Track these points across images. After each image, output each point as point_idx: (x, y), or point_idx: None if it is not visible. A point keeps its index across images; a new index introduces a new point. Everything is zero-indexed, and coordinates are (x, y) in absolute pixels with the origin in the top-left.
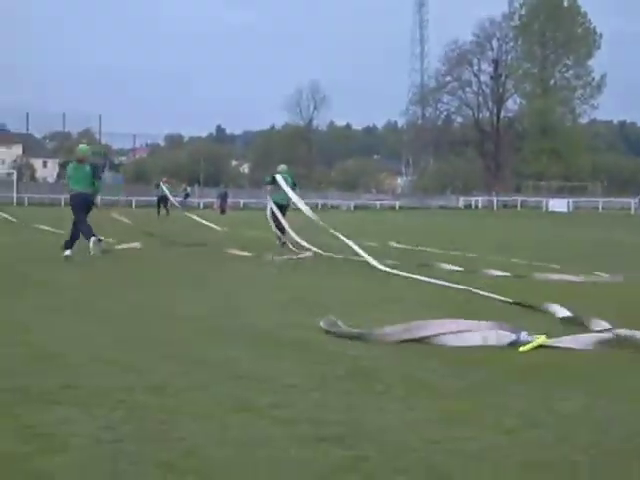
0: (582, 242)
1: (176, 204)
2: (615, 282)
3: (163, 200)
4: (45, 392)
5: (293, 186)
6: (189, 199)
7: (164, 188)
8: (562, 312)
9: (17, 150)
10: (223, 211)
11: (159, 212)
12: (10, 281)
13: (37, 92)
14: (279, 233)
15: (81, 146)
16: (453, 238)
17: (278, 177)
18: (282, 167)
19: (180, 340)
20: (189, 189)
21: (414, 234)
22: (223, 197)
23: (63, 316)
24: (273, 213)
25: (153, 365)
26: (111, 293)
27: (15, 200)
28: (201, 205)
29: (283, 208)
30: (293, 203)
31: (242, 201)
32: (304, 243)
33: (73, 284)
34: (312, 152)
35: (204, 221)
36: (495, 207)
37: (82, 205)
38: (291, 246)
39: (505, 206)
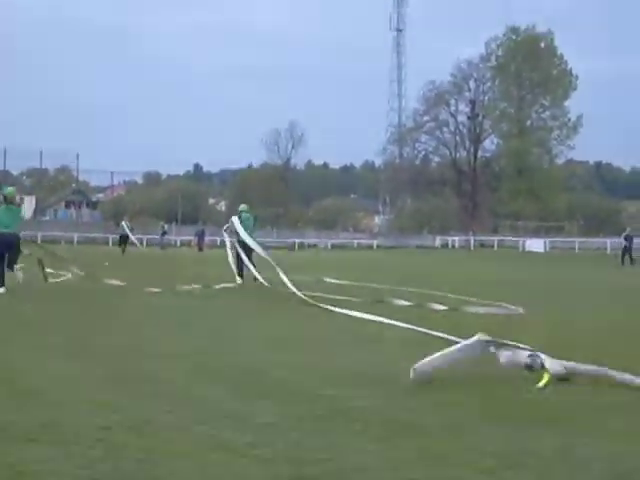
0: (533, 280)
1: (135, 242)
2: (516, 314)
3: (123, 238)
4: (25, 430)
5: (254, 224)
6: (166, 237)
7: (125, 226)
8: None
9: None
10: (201, 249)
11: (123, 250)
12: None
13: (13, 128)
14: (253, 269)
15: (10, 189)
16: (415, 276)
17: (234, 219)
18: (243, 206)
19: (163, 378)
20: (166, 227)
21: (371, 271)
22: (200, 235)
23: (46, 354)
24: (239, 250)
25: (135, 404)
26: (94, 331)
27: None
28: (178, 243)
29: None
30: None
31: (219, 239)
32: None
33: (56, 322)
34: (289, 191)
35: None
36: (472, 247)
37: (8, 246)
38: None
39: (482, 245)
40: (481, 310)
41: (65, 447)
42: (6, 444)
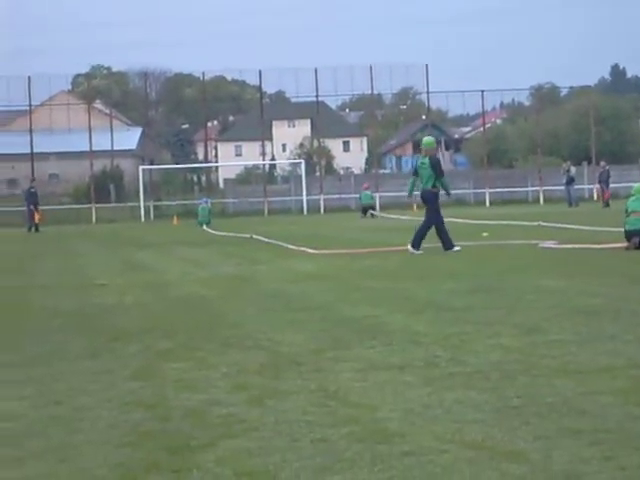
0: None
1: (376, 214)
2: None
3: (366, 208)
4: None
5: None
6: (574, 184)
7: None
8: None
9: (303, 128)
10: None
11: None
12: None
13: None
14: None
15: (427, 138)
16: None
17: None
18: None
19: None
20: (573, 170)
21: None
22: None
23: None
24: None
25: None
26: None
27: (305, 206)
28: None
29: None
30: None
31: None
32: None
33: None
34: None
35: None
36: None
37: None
38: None
39: None
40: None
41: None
42: None
